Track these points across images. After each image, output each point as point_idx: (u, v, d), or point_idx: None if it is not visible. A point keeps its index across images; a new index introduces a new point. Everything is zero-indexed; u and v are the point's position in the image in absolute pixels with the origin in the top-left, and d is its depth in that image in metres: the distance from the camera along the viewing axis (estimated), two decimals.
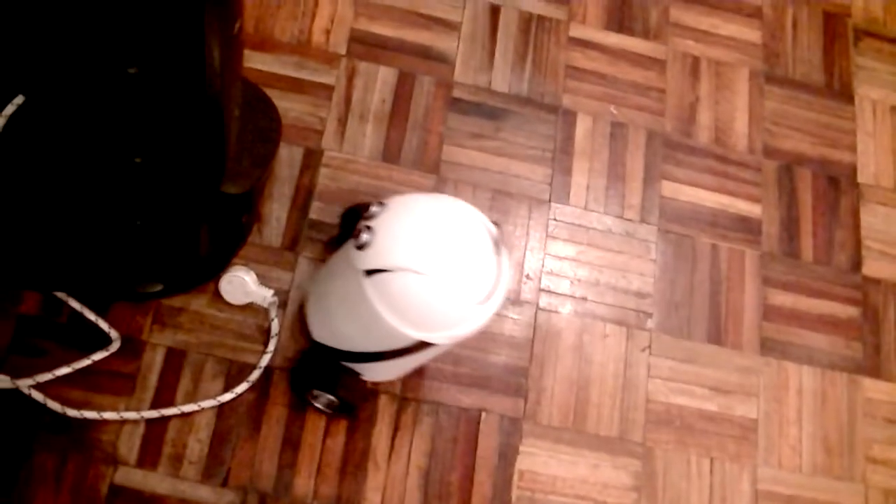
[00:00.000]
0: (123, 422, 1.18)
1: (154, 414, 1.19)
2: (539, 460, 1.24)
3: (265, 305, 1.26)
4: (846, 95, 1.51)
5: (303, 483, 1.19)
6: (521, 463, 1.24)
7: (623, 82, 1.46)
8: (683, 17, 1.49)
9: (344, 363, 1.18)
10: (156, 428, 1.18)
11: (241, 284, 1.25)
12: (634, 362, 1.31)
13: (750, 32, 1.50)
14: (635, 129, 1.43)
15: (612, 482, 1.26)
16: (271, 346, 1.25)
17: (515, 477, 1.23)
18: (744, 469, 1.29)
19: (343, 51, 1.40)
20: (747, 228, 1.41)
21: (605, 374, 1.30)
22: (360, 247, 1.03)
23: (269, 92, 1.28)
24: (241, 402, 1.22)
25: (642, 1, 1.48)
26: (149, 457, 1.17)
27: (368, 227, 1.03)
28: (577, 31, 1.47)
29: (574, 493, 1.24)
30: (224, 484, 1.18)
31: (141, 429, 1.18)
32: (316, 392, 1.19)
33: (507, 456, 1.23)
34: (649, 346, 1.32)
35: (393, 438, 1.22)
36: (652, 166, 1.41)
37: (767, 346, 1.35)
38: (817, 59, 1.51)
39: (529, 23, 1.46)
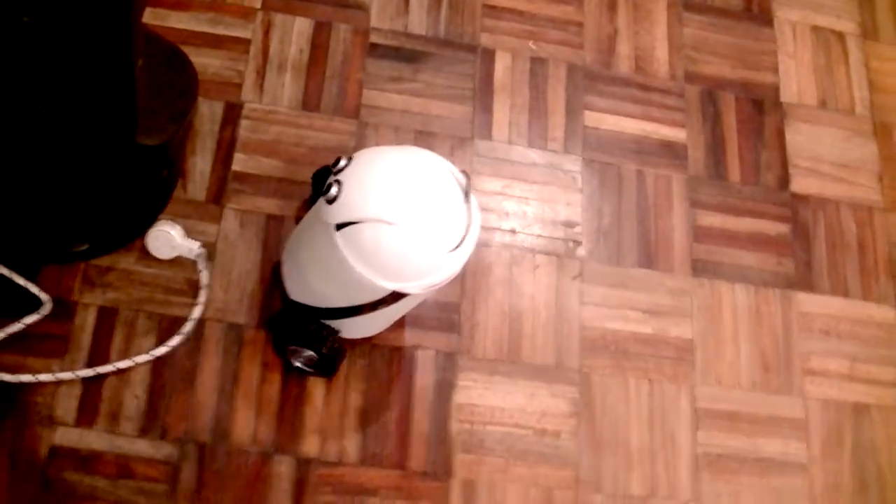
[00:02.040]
0: (59, 383, 1.18)
1: (89, 373, 1.19)
2: (476, 393, 1.25)
3: (192, 258, 1.25)
4: (765, 19, 1.51)
5: (241, 430, 1.19)
6: (459, 397, 1.24)
7: (541, 18, 1.46)
8: None
9: (322, 321, 1.18)
10: (92, 387, 1.18)
11: (167, 239, 1.25)
12: (566, 291, 1.32)
13: None
14: (555, 63, 1.43)
15: (550, 409, 1.26)
16: (202, 298, 1.25)
17: (454, 411, 1.23)
18: (682, 389, 1.29)
19: (258, 4, 1.40)
20: (673, 154, 1.41)
21: (538, 305, 1.30)
22: (330, 201, 1.04)
23: (186, 49, 1.27)
24: (174, 356, 1.22)
25: None
26: (86, 416, 1.17)
27: (337, 181, 1.04)
28: None
29: (513, 422, 1.24)
30: (162, 437, 1.18)
31: (77, 389, 1.18)
32: (294, 348, 1.19)
33: (444, 391, 1.24)
34: (580, 275, 1.33)
35: (328, 381, 1.23)
36: (573, 98, 1.41)
37: (699, 268, 1.36)
38: None
39: None
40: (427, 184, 1.04)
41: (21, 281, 1.21)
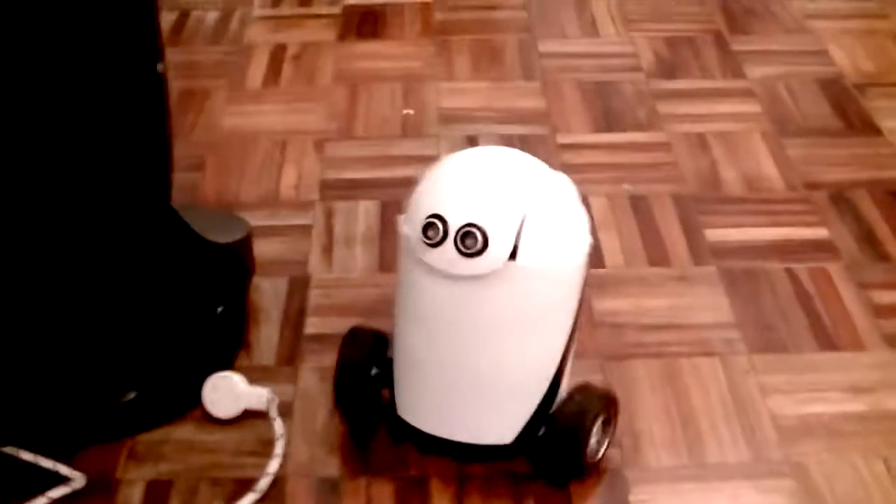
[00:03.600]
0: None
1: None
2: (661, 501, 0.90)
3: (263, 407, 0.96)
4: (872, 130, 1.32)
5: None
6: None
7: (627, 166, 1.27)
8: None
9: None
10: None
11: (230, 387, 0.96)
12: (740, 384, 0.97)
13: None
14: (657, 197, 1.21)
15: None
16: (278, 450, 0.93)
17: None
18: None
19: (316, 197, 1.23)
20: (818, 248, 1.14)
21: (711, 403, 0.96)
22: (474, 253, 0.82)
23: None
24: None
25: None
26: None
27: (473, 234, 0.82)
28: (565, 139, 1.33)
29: None
30: None
31: None
32: None
33: None
34: (753, 368, 1.01)
35: None
36: (688, 220, 1.17)
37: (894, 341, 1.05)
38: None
39: (512, 142, 1.32)
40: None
41: (49, 464, 0.92)
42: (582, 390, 0.91)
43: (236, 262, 1.03)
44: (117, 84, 0.84)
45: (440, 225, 0.83)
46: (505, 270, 0.83)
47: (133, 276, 0.92)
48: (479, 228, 0.82)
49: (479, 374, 0.87)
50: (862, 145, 1.31)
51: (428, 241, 0.83)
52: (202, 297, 0.98)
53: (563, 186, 0.87)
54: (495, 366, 0.87)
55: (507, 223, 0.83)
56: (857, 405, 0.98)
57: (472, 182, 0.85)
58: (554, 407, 0.89)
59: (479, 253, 0.82)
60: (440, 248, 0.83)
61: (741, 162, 1.28)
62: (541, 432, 0.89)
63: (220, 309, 0.99)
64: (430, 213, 0.84)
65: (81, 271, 0.90)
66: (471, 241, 0.82)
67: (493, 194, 0.84)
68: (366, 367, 0.92)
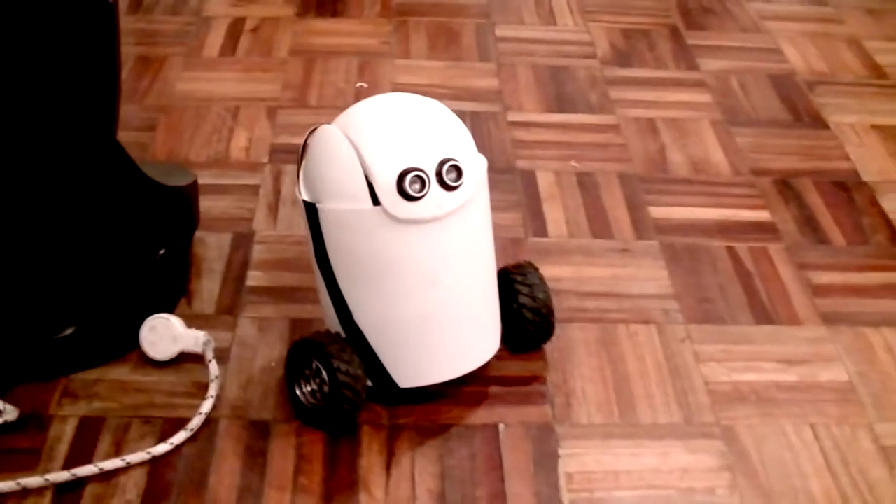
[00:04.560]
0: (25, 493, 0.84)
1: (64, 477, 0.85)
2: (590, 459, 0.88)
3: (199, 349, 0.96)
4: (820, 124, 1.33)
5: None
6: (568, 466, 0.88)
7: (577, 144, 1.27)
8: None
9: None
10: (67, 498, 0.84)
11: (167, 328, 0.96)
12: (676, 352, 0.99)
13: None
14: (604, 174, 1.22)
15: (693, 466, 0.89)
16: (212, 391, 0.93)
17: (563, 481, 0.87)
18: (857, 430, 0.93)
19: (265, 159, 1.23)
20: (761, 229, 1.15)
21: (646, 368, 0.97)
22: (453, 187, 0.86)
23: None
24: (179, 456, 0.89)
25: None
26: None
27: (454, 167, 0.86)
28: (516, 117, 1.34)
29: (646, 484, 0.86)
30: None
31: (47, 500, 0.84)
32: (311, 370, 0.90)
33: (546, 462, 0.88)
34: (688, 337, 1.02)
35: (388, 466, 0.88)
36: (633, 198, 1.18)
37: (831, 318, 1.04)
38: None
39: (463, 118, 1.32)
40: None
41: None
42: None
43: (180, 206, 1.03)
44: (65, 11, 0.84)
45: (421, 174, 0.84)
46: (475, 190, 0.89)
47: (74, 210, 0.92)
48: (454, 160, 0.86)
49: (475, 297, 0.91)
50: (809, 137, 1.33)
51: (414, 195, 0.84)
52: (144, 237, 0.97)
53: (449, 112, 0.91)
54: (483, 282, 0.92)
55: (464, 149, 0.88)
56: (789, 376, 0.99)
57: (406, 126, 0.87)
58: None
59: (461, 184, 0.86)
60: (426, 197, 0.85)
61: (689, 147, 1.30)
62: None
63: (161, 251, 0.98)
64: (401, 168, 0.85)
65: (20, 202, 0.90)
66: (454, 174, 0.86)
67: (436, 129, 0.88)
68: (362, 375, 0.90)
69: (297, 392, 0.91)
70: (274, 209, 1.16)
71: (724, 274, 1.10)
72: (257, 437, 0.90)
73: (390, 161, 0.85)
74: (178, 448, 0.89)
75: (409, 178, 0.84)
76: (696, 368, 0.99)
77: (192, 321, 0.98)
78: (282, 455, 0.89)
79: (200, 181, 1.13)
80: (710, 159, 1.28)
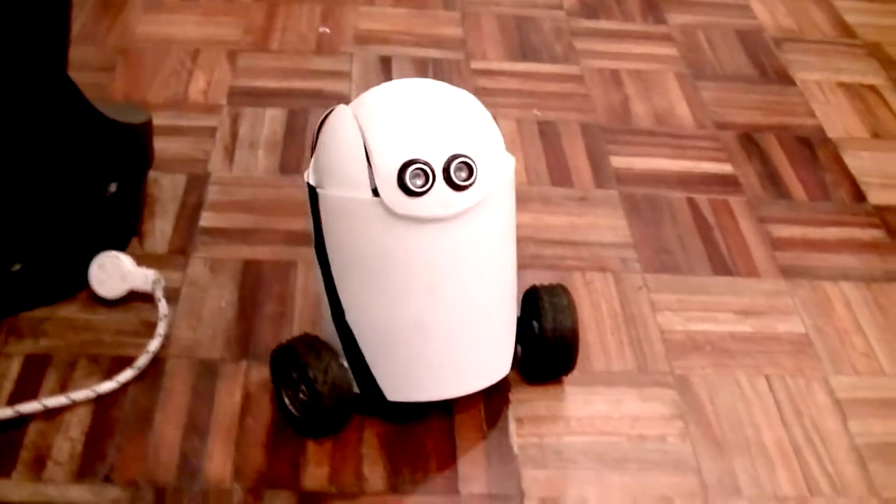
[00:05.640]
0: None
1: (7, 413, 0.83)
2: (540, 405, 0.87)
3: (149, 288, 0.94)
4: (786, 81, 1.32)
5: (218, 468, 0.80)
6: (517, 411, 0.86)
7: (540, 94, 1.26)
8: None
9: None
10: (10, 435, 0.82)
11: (116, 266, 0.94)
12: (633, 300, 0.98)
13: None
14: (565, 124, 1.20)
15: (645, 414, 0.88)
16: (161, 329, 0.91)
17: (512, 426, 0.86)
18: (811, 381, 0.92)
19: (223, 102, 1.20)
20: (722, 182, 1.14)
21: (601, 316, 0.96)
22: (463, 187, 0.77)
23: None
24: (125, 395, 0.86)
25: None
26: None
27: (465, 164, 0.77)
28: (479, 65, 1.32)
29: (597, 430, 0.86)
30: (106, 480, 0.80)
31: None
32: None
33: (495, 408, 0.86)
34: (645, 286, 1.01)
35: None
36: (594, 147, 1.16)
37: (790, 272, 1.03)
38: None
39: (426, 65, 1.31)
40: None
41: None
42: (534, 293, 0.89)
43: (132, 143, 1.00)
44: None
45: (425, 168, 0.76)
46: (491, 192, 0.80)
47: (21, 143, 0.89)
48: (467, 157, 0.78)
49: (482, 311, 0.82)
50: (774, 93, 1.31)
51: (415, 190, 0.77)
52: (94, 172, 0.95)
53: (478, 104, 0.82)
54: (494, 295, 0.83)
55: (483, 146, 0.80)
56: (745, 327, 0.98)
57: (420, 116, 0.79)
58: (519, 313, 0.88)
59: (472, 183, 0.78)
60: (430, 194, 0.77)
61: (653, 99, 1.28)
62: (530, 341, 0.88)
63: (112, 188, 0.96)
64: (405, 160, 0.77)
65: None
66: (464, 173, 0.78)
67: (453, 122, 0.79)
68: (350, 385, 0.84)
69: (284, 399, 0.85)
70: (230, 151, 1.13)
71: (683, 225, 1.09)
72: (205, 376, 0.88)
73: (394, 150, 0.77)
74: (124, 386, 0.87)
75: (410, 170, 0.76)
76: (651, 317, 0.98)
77: (143, 261, 0.96)
78: (229, 395, 0.87)
79: (157, 122, 1.11)
80: (673, 112, 1.26)
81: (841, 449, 0.88)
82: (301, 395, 0.83)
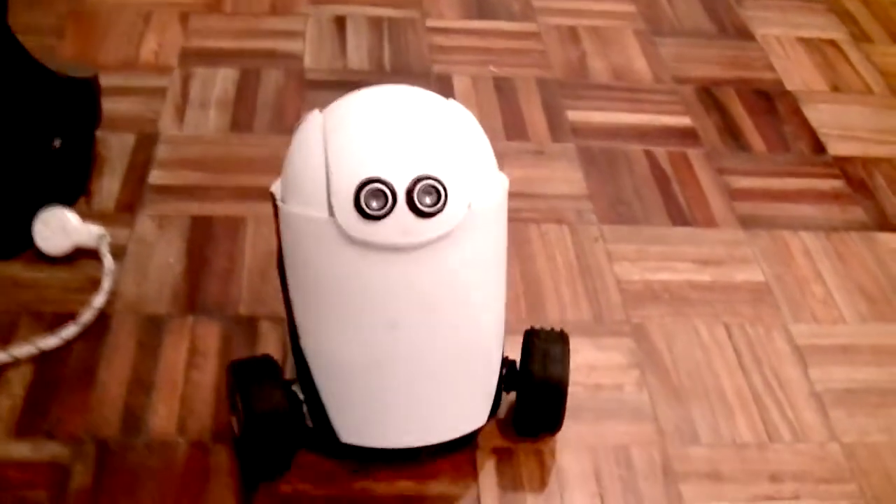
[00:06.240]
0: None
1: None
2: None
3: (94, 244, 0.91)
4: (746, 35, 1.29)
5: (163, 422, 0.77)
6: None
7: (496, 50, 1.22)
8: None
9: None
10: None
11: (61, 222, 0.90)
12: (588, 252, 0.95)
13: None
14: (522, 80, 1.16)
15: (601, 363, 0.85)
16: (106, 285, 0.87)
17: None
18: (771, 329, 0.89)
19: (175, 63, 1.16)
20: (680, 135, 1.11)
21: (556, 266, 0.93)
22: (430, 213, 0.67)
23: None
24: (70, 351, 0.83)
25: None
26: None
27: (432, 188, 0.67)
28: (435, 23, 1.28)
29: None
30: (48, 436, 0.77)
31: None
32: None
33: None
34: (602, 236, 0.99)
35: (285, 357, 0.83)
36: (551, 102, 1.13)
37: (749, 222, 1.00)
38: None
39: (380, 24, 1.27)
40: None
41: None
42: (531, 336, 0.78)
43: (77, 98, 0.97)
44: None
45: (384, 189, 0.66)
46: (463, 222, 0.69)
47: None
48: (435, 180, 0.67)
49: (454, 354, 0.72)
50: (734, 48, 1.28)
51: (371, 213, 0.67)
52: (37, 125, 0.91)
53: (467, 117, 0.73)
54: (469, 337, 0.73)
55: (458, 167, 0.69)
56: (703, 276, 0.95)
57: (390, 130, 0.69)
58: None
59: (440, 210, 0.67)
60: (389, 218, 0.67)
61: (611, 55, 1.25)
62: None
63: (57, 142, 0.93)
64: (363, 178, 0.67)
65: None
66: (431, 198, 0.67)
67: (426, 138, 0.69)
68: (290, 411, 0.73)
69: (232, 419, 0.76)
70: (181, 111, 1.09)
71: (640, 177, 1.06)
72: (151, 331, 0.85)
73: (353, 166, 0.67)
74: (67, 343, 0.83)
75: (367, 190, 0.66)
76: (608, 267, 0.95)
77: (90, 219, 0.92)
78: (175, 350, 0.83)
79: (107, 84, 1.06)
80: (631, 67, 1.23)
81: (801, 396, 0.85)
82: (240, 420, 0.74)
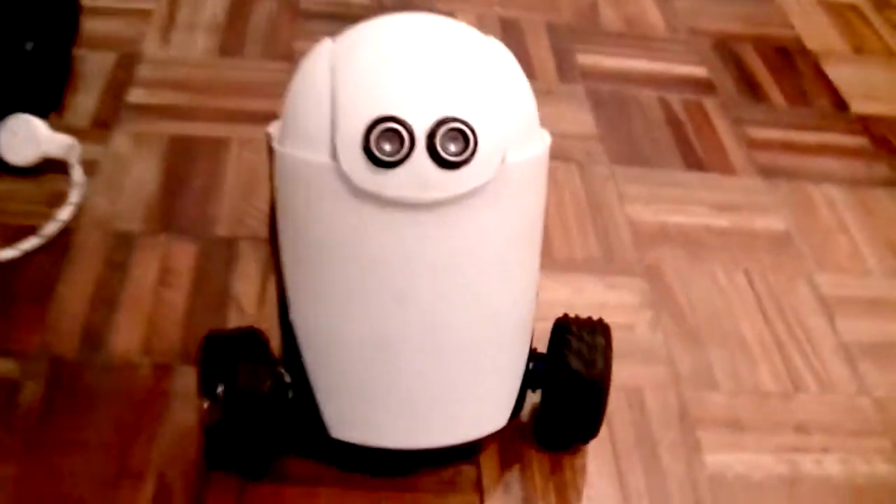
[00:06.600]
0: None
1: None
2: None
3: (62, 154, 0.82)
4: None
5: (124, 341, 0.68)
6: None
7: None
8: None
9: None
10: None
11: (29, 130, 0.81)
12: (598, 191, 0.87)
13: None
14: (530, 22, 1.09)
15: (611, 302, 0.77)
16: (73, 197, 0.79)
17: None
18: (795, 278, 0.82)
19: None
20: (696, 84, 1.03)
21: (563, 201, 0.85)
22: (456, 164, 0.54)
23: None
24: (29, 264, 0.74)
25: None
26: None
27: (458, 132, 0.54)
28: None
29: (555, 316, 0.76)
30: None
31: None
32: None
33: None
34: (613, 176, 0.91)
35: (263, 282, 0.76)
36: (560, 46, 1.05)
37: (768, 172, 0.93)
38: None
39: None
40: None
41: None
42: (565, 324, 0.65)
43: (54, 1, 0.89)
44: None
45: (400, 130, 0.54)
46: (496, 177, 0.56)
47: None
48: (463, 123, 0.54)
49: (471, 334, 0.59)
50: (752, 5, 1.20)
51: (383, 159, 0.54)
52: (8, 23, 0.83)
53: (507, 57, 0.60)
54: (491, 315, 0.60)
55: (492, 111, 0.56)
56: (720, 221, 0.87)
57: (412, 62, 0.56)
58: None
59: (467, 160, 0.55)
60: (404, 166, 0.54)
61: (624, 4, 1.16)
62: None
63: (29, 45, 0.84)
64: (375, 115, 0.54)
65: None
66: (457, 146, 0.54)
67: (455, 74, 0.56)
68: (276, 393, 0.60)
69: (203, 402, 0.63)
70: (167, 33, 1.01)
71: (653, 122, 0.98)
72: (119, 248, 0.76)
73: (364, 102, 0.55)
74: (27, 255, 0.75)
75: (378, 130, 0.54)
76: (619, 208, 0.87)
77: (61, 132, 0.85)
78: (144, 267, 0.75)
79: (89, 3, 0.99)
80: (645, 17, 1.15)
81: (827, 346, 0.77)
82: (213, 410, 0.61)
